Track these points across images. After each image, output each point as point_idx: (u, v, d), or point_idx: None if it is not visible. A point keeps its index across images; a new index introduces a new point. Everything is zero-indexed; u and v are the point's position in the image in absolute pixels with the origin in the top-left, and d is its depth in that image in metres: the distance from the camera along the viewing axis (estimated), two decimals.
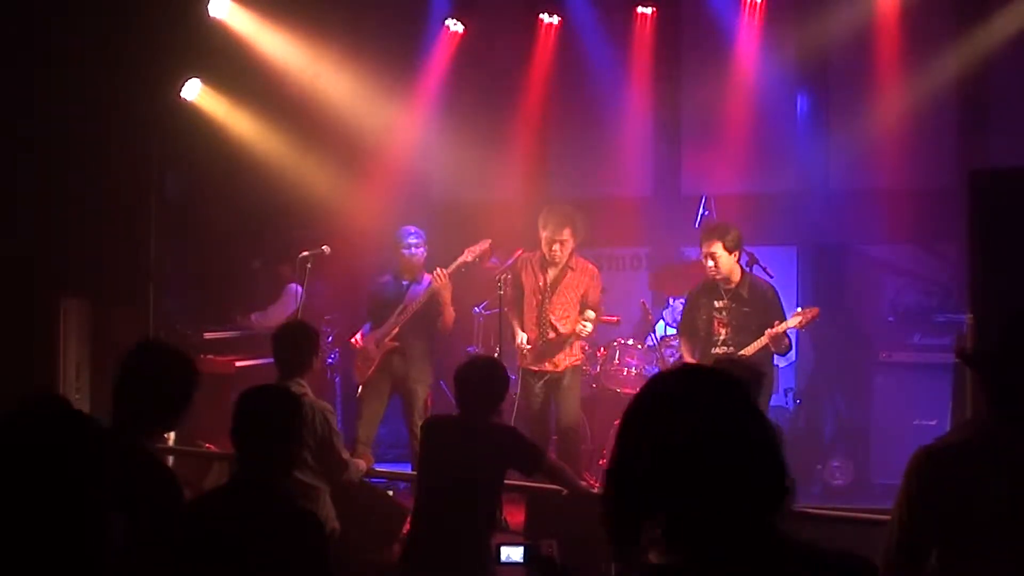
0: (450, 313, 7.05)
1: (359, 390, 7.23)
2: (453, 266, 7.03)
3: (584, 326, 6.79)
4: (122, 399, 3.30)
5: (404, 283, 7.20)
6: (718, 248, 6.24)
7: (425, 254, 7.21)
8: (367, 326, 7.31)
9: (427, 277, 7.15)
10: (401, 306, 7.07)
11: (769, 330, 6.17)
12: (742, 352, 6.20)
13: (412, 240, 7.15)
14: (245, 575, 3.01)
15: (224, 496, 3.24)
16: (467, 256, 7.02)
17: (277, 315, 7.71)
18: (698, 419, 1.75)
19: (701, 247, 6.38)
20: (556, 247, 6.78)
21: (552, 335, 6.89)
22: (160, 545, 2.99)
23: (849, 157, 8.51)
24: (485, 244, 7.05)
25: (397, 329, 7.05)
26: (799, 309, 6.43)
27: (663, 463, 1.75)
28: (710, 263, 6.29)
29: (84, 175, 7.26)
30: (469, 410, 4.63)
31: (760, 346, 6.20)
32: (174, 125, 7.68)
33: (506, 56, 9.06)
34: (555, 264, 6.87)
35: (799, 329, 6.54)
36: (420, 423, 6.88)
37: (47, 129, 7.09)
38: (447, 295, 7.00)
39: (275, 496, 3.14)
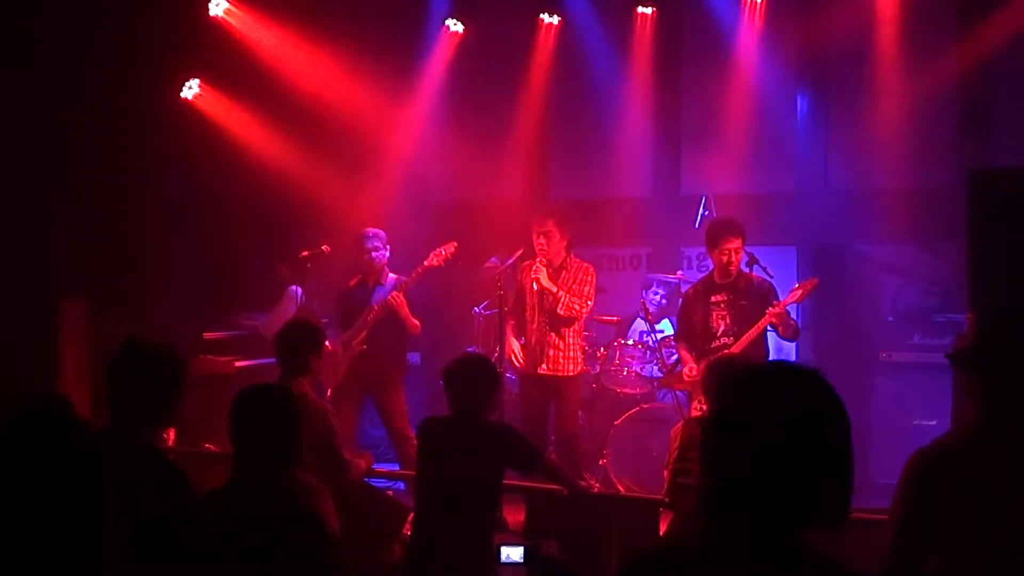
0: (413, 324, 6.97)
1: (328, 392, 7.22)
2: (419, 270, 6.95)
3: (537, 272, 6.68)
4: (114, 400, 3.32)
5: (370, 285, 7.19)
6: (740, 244, 6.40)
7: (387, 255, 7.17)
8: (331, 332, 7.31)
9: (391, 278, 7.14)
10: (368, 308, 7.06)
11: (770, 309, 6.19)
12: (744, 337, 6.26)
13: (372, 244, 7.12)
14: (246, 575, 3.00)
15: (224, 497, 3.23)
16: (432, 260, 6.95)
17: (279, 320, 7.70)
18: (791, 418, 1.76)
19: (720, 242, 6.40)
20: (541, 239, 6.73)
21: (551, 337, 6.81)
22: (163, 544, 2.99)
23: (849, 157, 8.51)
24: (451, 247, 6.97)
25: (365, 332, 7.03)
26: (796, 284, 6.45)
27: (732, 451, 1.76)
28: (733, 258, 6.38)
29: (84, 175, 7.26)
30: (461, 409, 4.63)
31: (762, 328, 6.22)
32: (174, 125, 7.68)
33: (506, 56, 9.06)
34: (548, 264, 6.75)
35: (799, 303, 6.53)
36: (400, 425, 6.97)
37: (46, 129, 7.09)
38: (404, 312, 6.91)
39: (275, 496, 3.13)
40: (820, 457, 1.75)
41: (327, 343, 7.18)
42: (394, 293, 6.90)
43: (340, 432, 5.11)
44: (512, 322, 6.96)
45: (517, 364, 6.87)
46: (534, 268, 6.73)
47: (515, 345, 6.89)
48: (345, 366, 7.06)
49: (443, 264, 6.98)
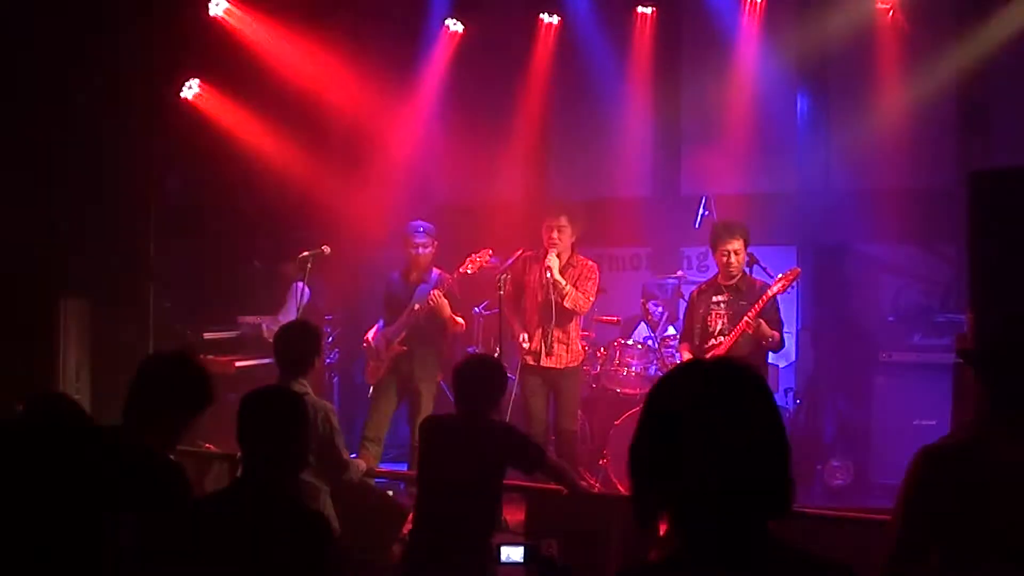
0: (455, 324, 7.01)
1: (370, 390, 7.23)
2: (456, 275, 7.02)
3: (551, 261, 6.77)
4: (136, 402, 3.35)
5: (412, 281, 7.18)
6: (740, 245, 6.41)
7: (434, 252, 7.18)
8: (380, 323, 7.30)
9: (435, 273, 7.14)
10: (409, 307, 7.07)
11: (746, 317, 6.18)
12: (728, 338, 6.27)
13: (420, 240, 7.13)
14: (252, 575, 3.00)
15: (231, 496, 3.23)
16: (467, 267, 7.00)
17: (287, 319, 7.70)
18: (714, 414, 1.76)
19: (719, 244, 6.43)
20: (555, 233, 6.84)
21: (555, 332, 6.87)
22: (166, 544, 2.99)
23: (849, 157, 8.50)
24: (485, 255, 7.02)
25: (405, 332, 7.04)
26: (779, 275, 6.43)
27: (671, 455, 1.76)
28: (732, 259, 6.39)
29: (84, 175, 7.25)
30: (467, 409, 4.63)
31: (739, 333, 6.21)
32: (174, 125, 7.67)
33: (506, 56, 9.06)
34: (557, 258, 6.84)
35: (782, 292, 6.50)
36: None
37: (47, 129, 7.08)
38: (445, 312, 6.94)
39: (282, 497, 3.13)
40: (751, 450, 1.74)
41: (369, 337, 7.21)
42: (434, 292, 6.90)
43: (340, 431, 5.09)
44: (514, 317, 7.04)
45: (526, 346, 6.90)
46: (547, 257, 6.81)
47: (523, 337, 6.94)
48: (387, 363, 7.06)
49: (477, 272, 7.00)
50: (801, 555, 1.76)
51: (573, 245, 6.97)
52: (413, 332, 7.02)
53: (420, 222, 7.22)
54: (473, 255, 7.05)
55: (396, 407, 7.20)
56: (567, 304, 6.82)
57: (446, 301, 6.94)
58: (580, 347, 7.09)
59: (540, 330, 6.89)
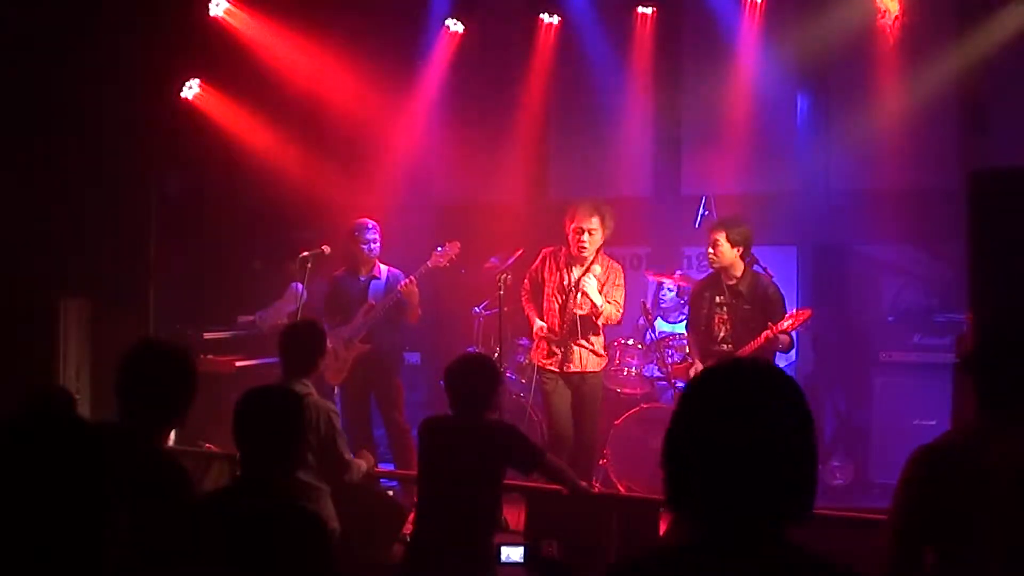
0: (417, 313, 7.04)
1: (335, 391, 7.23)
2: (421, 270, 6.99)
3: (587, 281, 6.47)
4: (124, 398, 3.31)
5: (362, 279, 7.20)
6: (721, 237, 6.32)
7: (379, 247, 7.21)
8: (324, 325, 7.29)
9: (383, 270, 7.18)
10: (366, 305, 7.08)
11: (766, 331, 6.18)
12: (741, 351, 6.24)
13: (371, 235, 7.15)
14: (251, 575, 3.00)
15: (229, 496, 3.23)
16: (436, 260, 6.94)
17: (279, 312, 7.72)
18: (750, 417, 1.76)
19: (708, 236, 6.43)
20: (584, 236, 6.46)
21: (577, 338, 6.60)
22: (166, 543, 2.99)
23: (849, 157, 8.50)
24: (454, 248, 6.96)
25: (366, 330, 7.05)
26: (791, 312, 6.41)
27: (705, 453, 1.77)
28: (710, 250, 6.37)
29: (84, 175, 7.26)
30: (461, 409, 4.62)
31: (757, 346, 6.21)
32: (174, 125, 7.68)
33: (506, 56, 9.06)
34: (581, 261, 6.57)
35: (792, 331, 6.50)
36: (399, 419, 7.08)
37: (47, 129, 7.09)
38: (414, 300, 6.96)
39: (280, 496, 3.13)
40: (785, 455, 1.76)
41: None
42: (408, 280, 6.93)
43: (342, 432, 5.10)
44: (532, 309, 6.80)
45: (541, 334, 6.66)
46: (583, 279, 6.49)
47: (540, 325, 6.67)
48: (350, 363, 7.07)
49: (447, 265, 6.99)
50: (813, 559, 1.76)
51: (599, 248, 6.63)
52: (374, 329, 7.04)
53: (368, 219, 7.22)
54: (439, 247, 6.96)
55: (369, 403, 7.23)
56: (600, 322, 6.55)
57: (417, 290, 6.97)
58: (603, 350, 6.77)
59: (561, 336, 6.60)
